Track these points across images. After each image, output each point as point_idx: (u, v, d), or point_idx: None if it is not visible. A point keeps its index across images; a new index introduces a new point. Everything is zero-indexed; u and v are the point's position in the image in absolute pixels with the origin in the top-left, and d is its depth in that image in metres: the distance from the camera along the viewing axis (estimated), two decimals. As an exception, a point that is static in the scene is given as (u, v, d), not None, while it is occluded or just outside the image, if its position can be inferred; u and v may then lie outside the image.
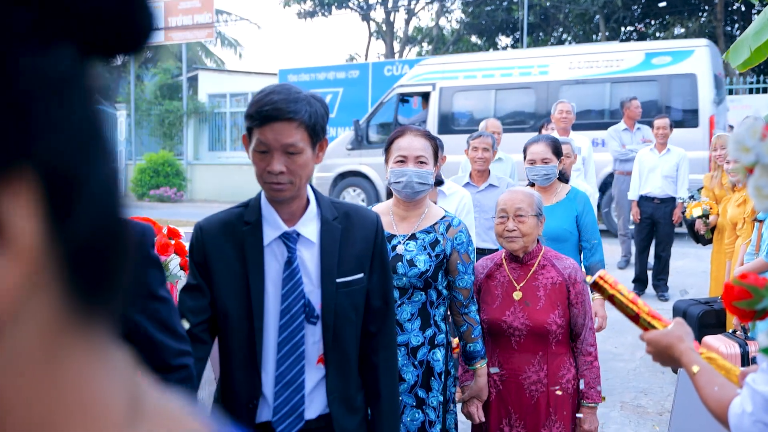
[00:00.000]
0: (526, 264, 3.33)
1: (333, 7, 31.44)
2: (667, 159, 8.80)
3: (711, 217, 6.97)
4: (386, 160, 3.26)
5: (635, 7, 27.41)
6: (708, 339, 5.26)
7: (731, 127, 15.10)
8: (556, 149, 4.77)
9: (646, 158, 8.92)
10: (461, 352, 3.32)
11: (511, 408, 3.25)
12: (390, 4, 32.33)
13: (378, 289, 2.43)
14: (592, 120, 12.51)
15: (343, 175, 14.84)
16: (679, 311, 6.44)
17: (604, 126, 11.61)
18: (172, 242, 3.56)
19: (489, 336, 3.34)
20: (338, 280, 2.31)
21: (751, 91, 19.60)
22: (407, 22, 33.34)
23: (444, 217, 3.24)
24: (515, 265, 3.35)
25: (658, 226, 8.89)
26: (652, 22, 28.63)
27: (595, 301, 4.40)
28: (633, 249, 9.55)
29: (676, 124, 10.43)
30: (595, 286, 2.36)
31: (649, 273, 9.17)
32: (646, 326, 2.16)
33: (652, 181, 8.84)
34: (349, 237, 2.35)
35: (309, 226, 2.32)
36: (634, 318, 2.22)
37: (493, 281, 3.37)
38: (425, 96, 14.43)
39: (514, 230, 3.25)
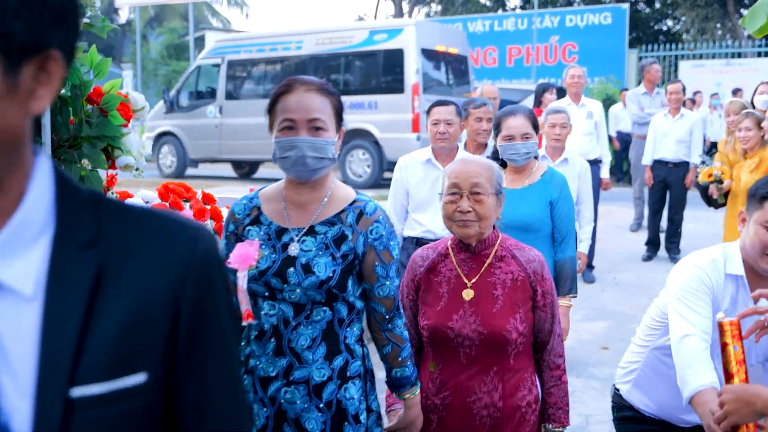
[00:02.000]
0: (479, 254, 2.57)
1: (342, -31, 31.20)
2: (681, 123, 8.80)
3: (725, 182, 6.98)
4: (270, 126, 2.32)
5: (645, -32, 27.12)
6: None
7: (739, 90, 15.07)
8: (535, 122, 4.09)
9: (660, 123, 8.92)
10: (386, 379, 2.53)
11: None
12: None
13: (195, 412, 1.10)
14: (340, 92, 14.06)
15: (160, 135, 16.58)
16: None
17: (342, 93, 12.74)
18: (208, 207, 3.60)
19: (430, 346, 2.59)
20: (75, 393, 0.97)
21: (759, 55, 19.48)
22: (416, -17, 33.01)
23: (354, 202, 2.36)
24: (465, 255, 2.59)
25: (671, 189, 8.92)
26: (661, -16, 28.31)
27: (560, 309, 3.82)
28: (646, 212, 9.59)
29: (388, 90, 13.66)
30: (720, 327, 2.21)
31: (662, 236, 9.22)
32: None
33: (665, 146, 8.84)
34: (118, 288, 1.02)
35: (19, 259, 0.98)
36: (729, 376, 2.15)
37: (436, 276, 2.61)
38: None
39: (469, 212, 2.48)
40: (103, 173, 2.55)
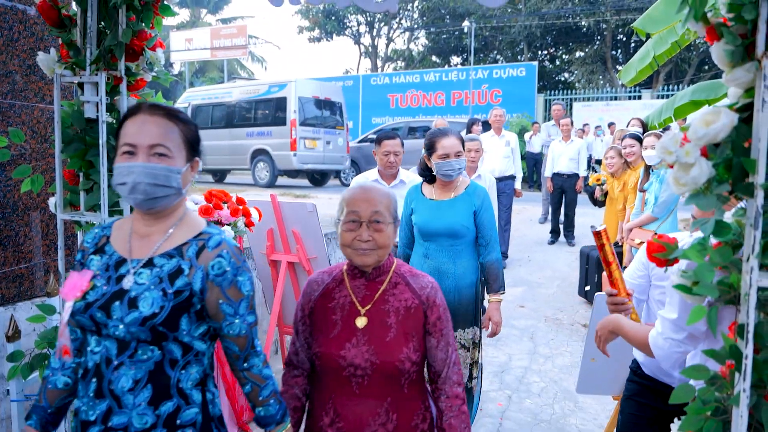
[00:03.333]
0: (373, 281, 1.86)
1: (334, 34, 31.29)
2: (572, 147, 8.89)
3: (605, 186, 7.06)
4: (116, 151, 1.57)
5: (548, 37, 27.26)
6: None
7: (613, 123, 15.19)
8: (462, 141, 3.37)
9: (556, 147, 9.04)
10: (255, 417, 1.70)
11: None
12: (374, 32, 31.99)
13: None
14: (251, 124, 15.07)
15: None
16: (583, 254, 6.56)
17: (253, 125, 14.85)
18: (240, 207, 3.56)
19: (323, 375, 1.83)
20: None
21: (630, 98, 19.70)
22: (387, 45, 32.91)
23: (200, 234, 1.60)
24: (360, 282, 1.87)
25: (566, 193, 8.97)
26: (561, 47, 28.50)
27: (491, 304, 3.25)
28: (550, 209, 9.67)
29: (278, 123, 14.23)
30: (596, 235, 2.09)
31: (561, 226, 9.27)
32: (611, 272, 2.15)
33: (561, 163, 8.91)
34: None
35: None
36: (608, 264, 2.14)
37: (330, 302, 1.86)
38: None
39: (369, 240, 1.79)
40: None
